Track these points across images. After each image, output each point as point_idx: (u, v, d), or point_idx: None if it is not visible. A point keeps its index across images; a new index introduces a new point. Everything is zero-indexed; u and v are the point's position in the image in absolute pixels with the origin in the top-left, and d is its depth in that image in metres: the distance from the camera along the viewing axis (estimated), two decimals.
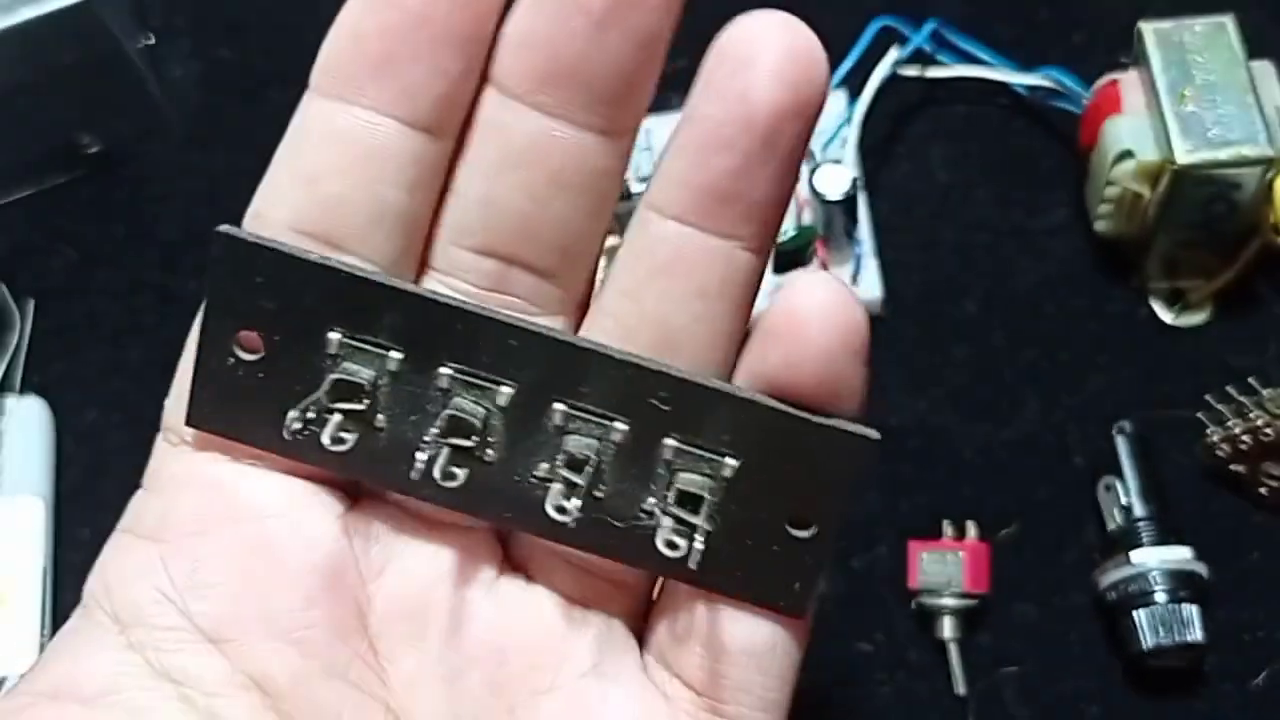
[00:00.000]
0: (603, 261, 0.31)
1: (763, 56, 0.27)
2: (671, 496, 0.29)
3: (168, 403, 0.32)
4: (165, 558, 0.30)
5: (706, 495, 0.29)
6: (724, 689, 0.31)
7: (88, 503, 0.55)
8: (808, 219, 0.55)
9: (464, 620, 0.31)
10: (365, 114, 0.29)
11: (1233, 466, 0.52)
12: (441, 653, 0.31)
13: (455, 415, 0.29)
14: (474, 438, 0.30)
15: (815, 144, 0.56)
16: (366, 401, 0.30)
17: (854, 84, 0.57)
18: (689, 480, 0.29)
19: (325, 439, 0.29)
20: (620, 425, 0.29)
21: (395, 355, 0.29)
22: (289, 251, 0.29)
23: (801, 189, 0.55)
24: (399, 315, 0.29)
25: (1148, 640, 0.49)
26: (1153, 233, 0.53)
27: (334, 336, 0.29)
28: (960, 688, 0.50)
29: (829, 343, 0.28)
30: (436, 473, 0.29)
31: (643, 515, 0.30)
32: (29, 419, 0.56)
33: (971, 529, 0.51)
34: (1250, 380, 0.51)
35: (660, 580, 0.32)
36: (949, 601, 0.50)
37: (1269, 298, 0.56)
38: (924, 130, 0.60)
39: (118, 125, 0.61)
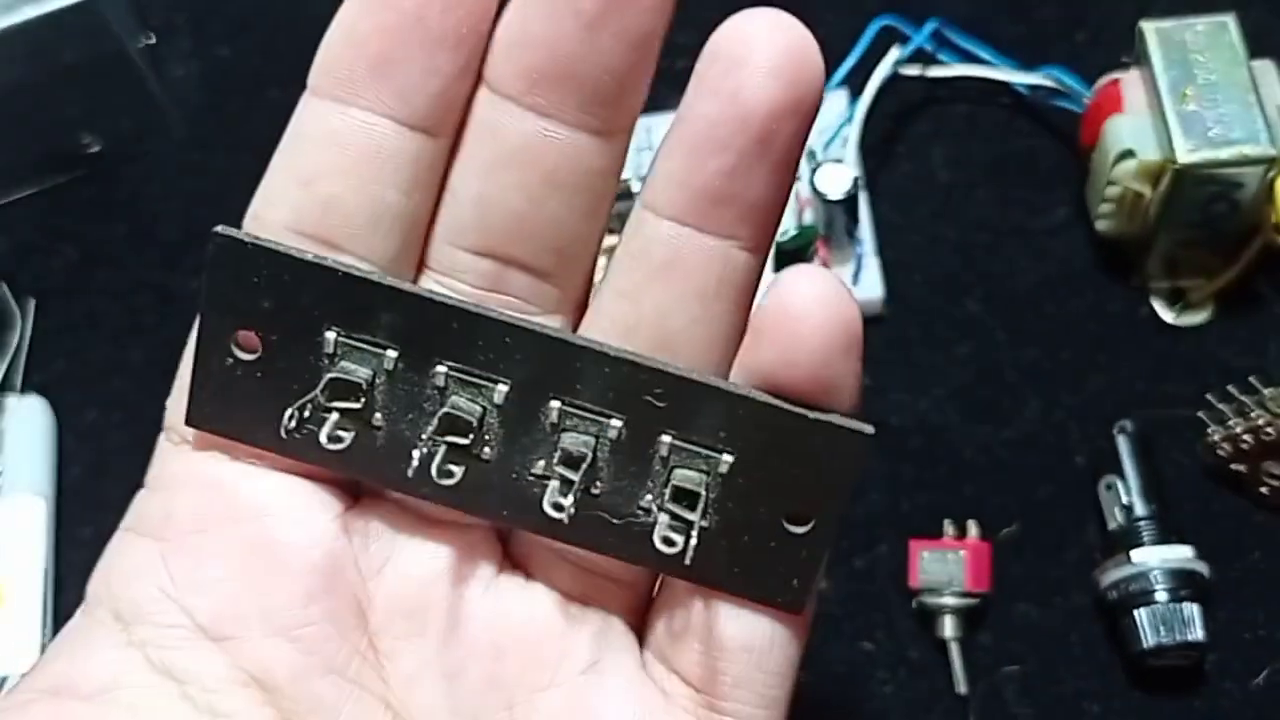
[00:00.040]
0: (602, 260, 0.31)
1: (757, 55, 0.27)
2: (668, 493, 0.29)
3: (169, 402, 0.32)
4: (166, 556, 0.31)
5: (703, 491, 0.29)
6: (722, 685, 0.31)
7: (89, 502, 0.55)
8: (809, 218, 0.55)
9: (463, 617, 0.31)
10: (362, 115, 0.29)
11: (1234, 466, 0.52)
12: (440, 650, 0.31)
13: (452, 413, 0.29)
14: (470, 435, 0.30)
15: (816, 143, 0.56)
16: (363, 400, 0.30)
17: (855, 83, 0.57)
18: (685, 477, 0.29)
19: (323, 438, 0.30)
20: (616, 422, 0.29)
21: (392, 354, 0.29)
22: (285, 251, 0.29)
23: (803, 188, 0.55)
24: (395, 314, 0.29)
25: (1149, 639, 0.49)
26: (1154, 232, 0.53)
27: (331, 336, 0.29)
28: (961, 687, 0.50)
29: (822, 337, 0.28)
30: (433, 470, 0.29)
31: (639, 512, 0.30)
32: (30, 418, 0.56)
33: (972, 528, 0.51)
34: (1251, 379, 0.51)
35: (660, 577, 0.32)
36: (950, 600, 0.50)
37: (1270, 297, 0.56)
38: (925, 130, 0.60)
39: (119, 125, 0.61)
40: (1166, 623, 0.48)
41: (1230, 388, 0.51)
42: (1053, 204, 0.58)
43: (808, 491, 0.29)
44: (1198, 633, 0.48)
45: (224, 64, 0.64)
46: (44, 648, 0.52)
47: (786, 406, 0.29)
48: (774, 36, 0.27)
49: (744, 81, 0.27)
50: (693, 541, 0.29)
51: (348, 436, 0.30)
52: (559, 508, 0.29)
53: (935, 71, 0.58)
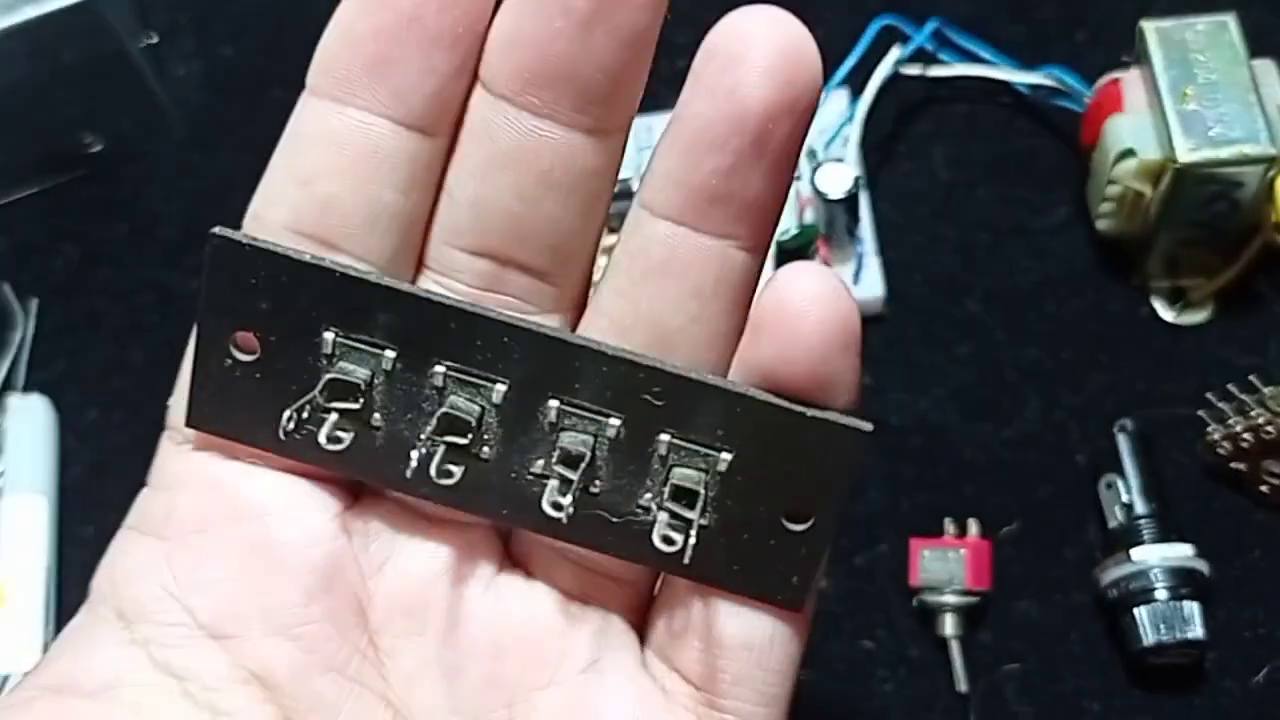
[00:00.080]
0: (602, 259, 0.31)
1: (753, 53, 0.27)
2: (667, 491, 0.29)
3: (171, 402, 0.32)
4: (168, 555, 0.31)
5: (702, 490, 0.29)
6: (722, 683, 0.31)
7: (90, 500, 0.55)
8: (810, 217, 0.55)
9: (462, 616, 0.31)
10: (359, 114, 0.29)
11: (1234, 464, 0.52)
12: (440, 648, 0.31)
13: (450, 413, 0.29)
14: (469, 435, 0.30)
15: (817, 142, 0.56)
16: (362, 401, 0.30)
17: (856, 83, 0.57)
18: (684, 475, 0.29)
19: (322, 438, 0.30)
20: (614, 421, 0.29)
21: (390, 354, 0.29)
22: (283, 252, 0.29)
23: (803, 187, 0.55)
24: (393, 314, 0.29)
25: (1149, 637, 0.49)
26: (1154, 231, 0.53)
27: (329, 336, 0.29)
28: (962, 685, 0.50)
29: (820, 334, 0.28)
30: (432, 470, 0.29)
31: (639, 510, 0.30)
32: (32, 417, 0.56)
33: (973, 527, 0.51)
34: (1251, 378, 0.51)
35: (660, 575, 0.32)
36: (950, 599, 0.50)
37: (1270, 296, 0.56)
38: (926, 129, 0.60)
39: (120, 124, 0.61)
40: (1167, 621, 0.48)
41: (1230, 386, 0.51)
42: (1053, 203, 0.58)
43: (806, 489, 0.29)
44: (1198, 631, 0.49)
45: (226, 64, 0.64)
46: (46, 646, 0.52)
47: (784, 404, 0.29)
48: (771, 35, 0.27)
49: (740, 80, 0.27)
50: (692, 540, 0.29)
51: (347, 437, 0.30)
52: (558, 507, 0.29)
53: (936, 71, 0.58)
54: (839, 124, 0.57)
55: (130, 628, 0.30)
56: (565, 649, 0.31)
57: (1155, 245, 0.54)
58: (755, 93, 0.27)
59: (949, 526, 0.51)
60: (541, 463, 0.30)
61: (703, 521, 0.29)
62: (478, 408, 0.30)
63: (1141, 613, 0.49)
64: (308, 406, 0.30)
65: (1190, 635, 0.48)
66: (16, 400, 0.56)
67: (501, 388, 0.29)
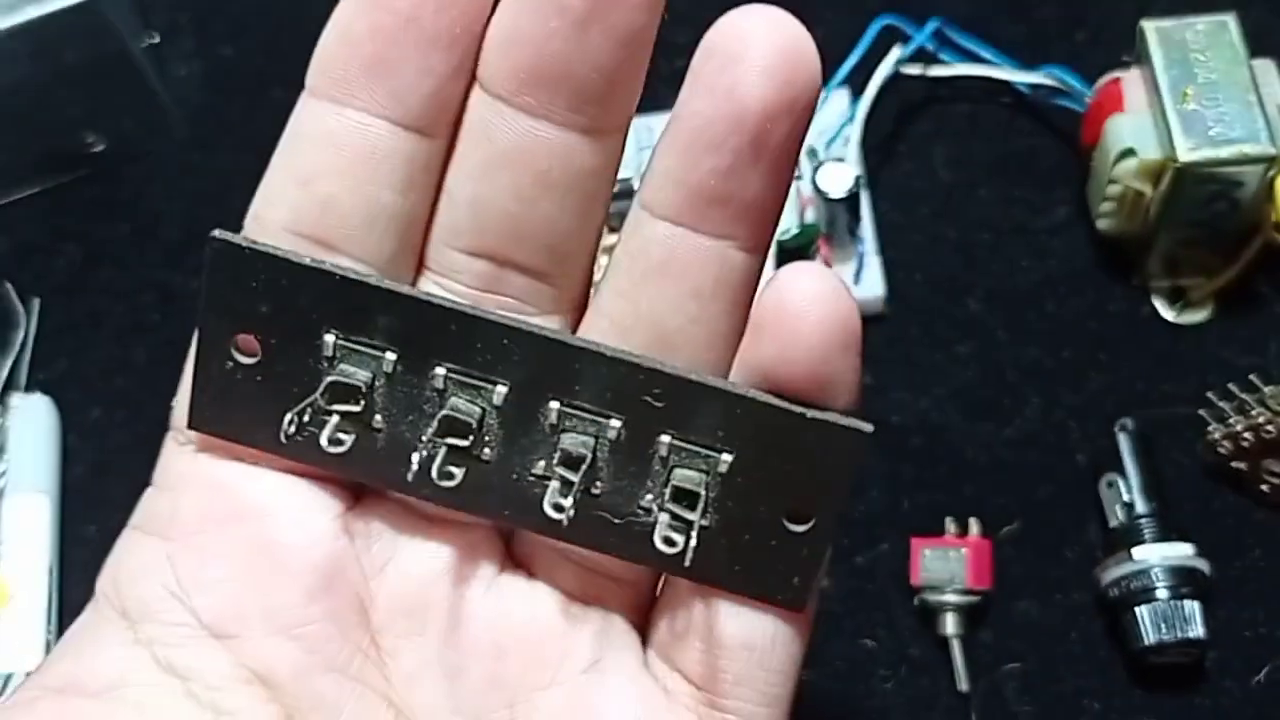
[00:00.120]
0: (603, 259, 0.31)
1: (751, 53, 0.27)
2: (668, 493, 0.29)
3: (175, 402, 0.32)
4: (172, 555, 0.31)
5: (702, 491, 0.29)
6: (723, 683, 0.30)
7: (92, 500, 0.55)
8: (811, 217, 0.55)
9: (464, 616, 0.31)
10: (357, 115, 0.29)
11: (1234, 464, 0.52)
12: (442, 648, 0.31)
13: (451, 415, 0.29)
14: (470, 437, 0.30)
15: (818, 142, 0.57)
16: (363, 403, 0.30)
17: (857, 82, 0.57)
18: (685, 476, 0.29)
19: (323, 440, 0.30)
20: (615, 423, 0.29)
21: (390, 356, 0.30)
22: (282, 255, 0.29)
23: (805, 187, 0.55)
24: (393, 317, 0.29)
25: (1149, 637, 0.49)
26: (1154, 231, 0.54)
27: (329, 339, 0.29)
28: (963, 684, 0.50)
29: (820, 334, 0.27)
30: (434, 472, 0.29)
31: (640, 511, 0.30)
32: (34, 416, 0.56)
33: (974, 526, 0.51)
34: (1252, 377, 0.51)
35: (662, 576, 0.32)
36: (951, 598, 0.50)
37: (1270, 296, 0.56)
38: (926, 129, 0.60)
39: (122, 124, 0.61)
40: (1167, 620, 0.49)
41: (1231, 386, 0.51)
42: (1053, 203, 0.58)
43: (807, 490, 0.29)
44: (1198, 630, 0.49)
45: (227, 64, 0.64)
46: (49, 645, 0.52)
47: (784, 405, 0.28)
48: (769, 34, 0.27)
49: (738, 80, 0.27)
50: (692, 541, 0.29)
51: (348, 439, 0.30)
52: (559, 508, 0.29)
53: (936, 71, 0.58)
54: (840, 124, 0.57)
55: (134, 627, 0.31)
56: (567, 649, 0.31)
57: (1155, 245, 0.54)
58: (753, 92, 0.27)
59: (950, 526, 0.52)
60: (543, 464, 0.30)
61: (704, 522, 0.29)
62: (478, 409, 0.30)
63: (1142, 612, 0.49)
64: (309, 409, 0.30)
65: (1191, 634, 0.48)
66: (19, 400, 0.56)
67: (502, 389, 0.29)
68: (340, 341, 0.30)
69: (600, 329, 0.30)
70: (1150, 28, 0.53)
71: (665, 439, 0.29)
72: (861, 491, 0.53)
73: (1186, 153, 0.50)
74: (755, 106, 0.27)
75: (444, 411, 0.29)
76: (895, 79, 0.57)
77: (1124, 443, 0.52)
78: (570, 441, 0.29)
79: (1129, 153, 0.52)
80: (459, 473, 0.30)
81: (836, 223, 0.55)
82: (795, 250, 0.54)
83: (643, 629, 0.32)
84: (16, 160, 0.60)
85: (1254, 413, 0.51)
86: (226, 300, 0.30)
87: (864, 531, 0.53)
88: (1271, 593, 0.51)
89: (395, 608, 0.31)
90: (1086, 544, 0.52)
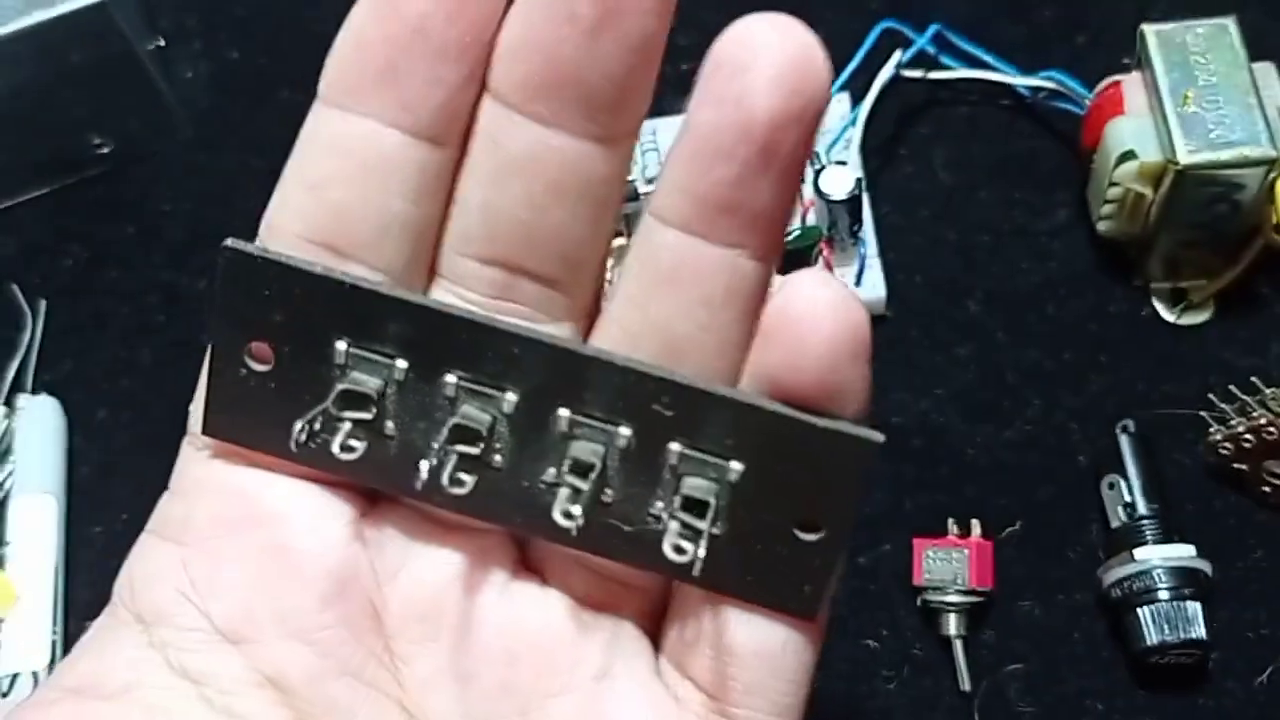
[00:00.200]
0: (611, 262, 0.31)
1: (760, 61, 0.26)
2: (678, 501, 0.29)
3: (192, 407, 0.32)
4: (186, 560, 0.31)
5: (712, 500, 0.29)
6: (734, 691, 0.30)
7: (99, 500, 0.56)
8: (812, 219, 0.55)
9: (476, 622, 0.31)
10: (369, 124, 0.29)
11: (1235, 465, 0.52)
12: (454, 654, 0.31)
13: (462, 423, 0.29)
14: (481, 444, 0.30)
15: (820, 145, 0.57)
16: (375, 410, 0.30)
17: (858, 86, 0.57)
18: (694, 485, 0.29)
19: (335, 448, 0.30)
20: (625, 431, 0.29)
21: (401, 364, 0.30)
22: (293, 264, 0.29)
23: (806, 189, 0.55)
24: (404, 325, 0.29)
25: (1151, 637, 0.49)
26: (1155, 233, 0.54)
27: (341, 347, 0.30)
28: (965, 684, 0.50)
29: (829, 342, 0.27)
30: (445, 479, 0.29)
31: (650, 519, 0.30)
32: (41, 417, 0.56)
33: (976, 527, 0.52)
34: (1253, 379, 0.51)
35: (674, 583, 0.32)
36: (954, 598, 0.51)
37: (1271, 297, 0.56)
38: (927, 132, 0.60)
39: (128, 126, 0.61)
40: (1169, 621, 0.49)
41: (1232, 387, 0.51)
42: (1054, 205, 0.58)
43: (817, 499, 0.29)
44: (1200, 631, 0.49)
45: (233, 66, 0.64)
46: (55, 645, 0.52)
47: (794, 414, 0.28)
48: (779, 43, 0.26)
49: (747, 89, 0.27)
50: (701, 551, 0.29)
51: (360, 446, 0.30)
52: (569, 515, 0.29)
53: (937, 74, 0.58)
54: (841, 127, 0.57)
55: (148, 631, 0.31)
56: (578, 656, 0.31)
57: (1156, 247, 0.55)
58: (762, 101, 0.26)
59: (952, 526, 0.52)
60: (553, 472, 0.30)
61: (714, 531, 0.29)
62: (489, 417, 0.30)
63: (1144, 613, 0.49)
64: (319, 417, 0.30)
65: (1193, 635, 0.49)
66: (25, 401, 0.57)
67: (512, 397, 0.29)
68: (352, 349, 0.30)
69: (611, 337, 0.30)
70: (1150, 31, 0.53)
71: (675, 447, 0.29)
72: (866, 496, 0.53)
73: (1187, 155, 0.50)
74: (764, 116, 0.27)
75: (455, 419, 0.29)
76: (896, 82, 0.58)
77: (1125, 444, 0.52)
78: (580, 449, 0.29)
79: (1129, 155, 0.52)
80: (470, 480, 0.30)
81: (838, 225, 0.55)
82: (797, 252, 0.54)
83: (655, 636, 0.32)
84: (23, 161, 0.61)
85: (1255, 414, 0.51)
86: (239, 308, 0.30)
87: (866, 532, 0.53)
88: (1273, 593, 0.52)
89: (408, 613, 0.31)
90: (1088, 545, 0.52)
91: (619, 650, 0.32)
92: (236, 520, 0.31)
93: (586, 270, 0.31)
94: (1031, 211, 0.58)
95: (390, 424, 0.30)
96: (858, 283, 0.56)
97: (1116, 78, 0.54)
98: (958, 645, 0.51)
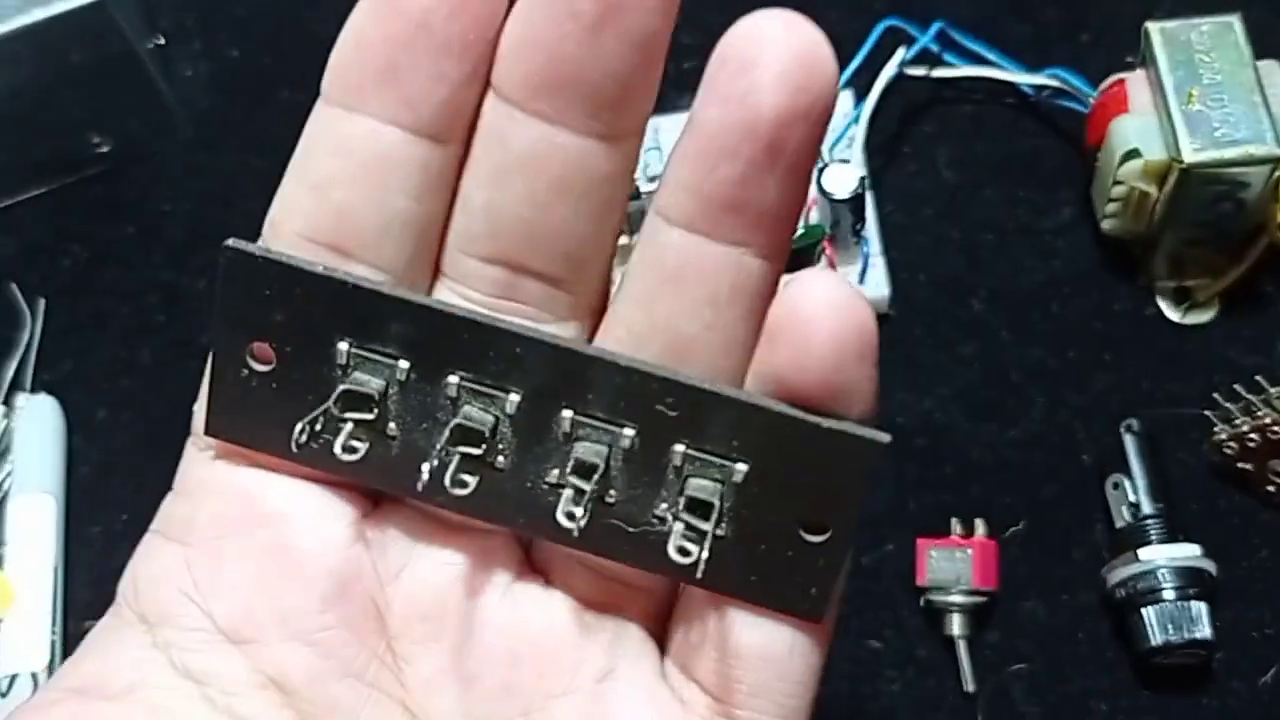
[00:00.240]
0: (616, 261, 0.31)
1: (765, 59, 0.26)
2: (682, 502, 0.29)
3: (196, 407, 0.32)
4: (190, 560, 0.31)
5: (717, 501, 0.29)
6: (739, 694, 0.30)
7: (98, 500, 0.55)
8: (815, 218, 0.55)
9: (479, 623, 0.31)
10: (371, 122, 0.29)
11: (1240, 464, 0.52)
12: (457, 655, 0.31)
13: (464, 424, 0.29)
14: (483, 445, 0.30)
15: (823, 143, 0.56)
16: (377, 411, 0.30)
17: (861, 84, 0.57)
18: (699, 486, 0.29)
19: (337, 448, 0.30)
20: (628, 432, 0.29)
21: (403, 365, 0.29)
22: (294, 264, 0.29)
23: (809, 188, 0.55)
24: (405, 325, 0.29)
25: (1156, 637, 0.49)
26: (1159, 232, 0.54)
27: (343, 347, 0.29)
28: (969, 685, 0.50)
29: (834, 342, 0.27)
30: (447, 480, 0.29)
31: (655, 521, 0.30)
32: (40, 417, 0.56)
33: (980, 526, 0.51)
34: (1257, 378, 0.51)
35: (680, 584, 0.32)
36: (958, 598, 0.51)
37: (1276, 296, 0.56)
38: (931, 130, 0.60)
39: (127, 125, 0.61)
40: (1174, 621, 0.49)
41: (1236, 386, 0.51)
42: (1058, 204, 0.58)
43: (823, 500, 0.29)
44: (1205, 631, 0.49)
45: (233, 65, 0.64)
46: (54, 645, 0.52)
47: (798, 415, 0.28)
48: (785, 39, 0.26)
49: (752, 86, 0.26)
50: (705, 553, 0.28)
51: (362, 447, 0.30)
52: (572, 516, 0.29)
53: (940, 72, 0.58)
54: (844, 125, 0.57)
55: (152, 631, 0.31)
56: (582, 657, 0.31)
57: (1160, 245, 0.54)
58: (768, 99, 0.26)
59: (956, 526, 0.52)
60: (556, 472, 0.30)
61: (719, 532, 0.29)
62: (492, 418, 0.29)
63: (1149, 613, 0.49)
64: (320, 417, 0.30)
65: (1198, 635, 0.49)
66: (24, 400, 0.57)
67: (515, 398, 0.29)
68: (354, 350, 0.29)
69: (616, 336, 0.30)
70: (1155, 29, 0.53)
71: (679, 448, 0.29)
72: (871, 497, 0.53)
73: (1191, 154, 0.50)
74: (769, 114, 0.26)
75: (457, 420, 0.29)
76: (899, 80, 0.57)
77: (1129, 443, 0.52)
78: (583, 450, 0.29)
79: (1134, 154, 0.52)
80: (472, 481, 0.30)
81: (841, 224, 0.55)
82: (800, 251, 0.54)
83: (661, 638, 0.32)
84: (22, 161, 0.60)
85: (1260, 413, 0.51)
86: (240, 308, 0.30)
87: (869, 532, 0.53)
88: (1278, 593, 0.51)
89: (411, 614, 0.31)
90: (1092, 544, 0.52)
91: (623, 652, 0.32)
92: (239, 521, 0.31)
93: (591, 269, 0.30)
94: (1035, 210, 0.58)
95: (392, 424, 0.30)
96: (861, 282, 0.56)
97: (1121, 76, 0.54)
98: (961, 645, 0.51)
